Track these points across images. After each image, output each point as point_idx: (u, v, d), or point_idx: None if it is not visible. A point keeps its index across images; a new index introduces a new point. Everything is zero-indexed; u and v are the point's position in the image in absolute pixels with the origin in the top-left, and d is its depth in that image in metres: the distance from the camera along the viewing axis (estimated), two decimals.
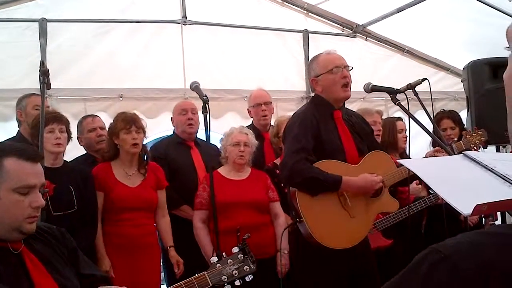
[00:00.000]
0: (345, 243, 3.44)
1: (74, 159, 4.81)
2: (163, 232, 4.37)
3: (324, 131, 3.59)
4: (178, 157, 4.86)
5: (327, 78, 3.64)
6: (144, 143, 4.42)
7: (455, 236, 0.83)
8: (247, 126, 5.24)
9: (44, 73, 3.39)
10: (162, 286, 4.82)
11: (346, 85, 3.63)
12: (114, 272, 4.06)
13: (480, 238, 0.80)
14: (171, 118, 5.19)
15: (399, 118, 5.35)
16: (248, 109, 5.44)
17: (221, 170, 4.49)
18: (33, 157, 2.24)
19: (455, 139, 4.91)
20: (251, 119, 5.44)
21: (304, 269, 3.65)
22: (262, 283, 2.96)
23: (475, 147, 3.98)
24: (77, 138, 4.87)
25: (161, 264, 4.60)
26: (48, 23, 5.42)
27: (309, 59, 6.62)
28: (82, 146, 4.92)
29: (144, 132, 4.34)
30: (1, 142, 2.38)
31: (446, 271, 0.76)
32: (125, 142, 4.22)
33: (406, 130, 5.22)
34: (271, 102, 5.34)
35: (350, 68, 3.69)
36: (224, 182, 4.35)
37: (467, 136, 4.06)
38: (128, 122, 4.22)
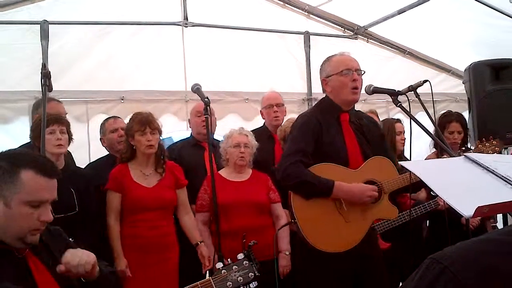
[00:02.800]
0: (338, 247, 3.41)
1: (96, 160, 4.93)
2: (189, 229, 4.34)
3: (327, 134, 3.57)
4: (190, 159, 4.88)
5: (337, 79, 3.63)
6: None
7: (455, 245, 0.82)
8: (258, 128, 5.28)
9: (45, 75, 3.39)
10: None
11: (355, 88, 3.61)
12: (131, 273, 4.07)
13: (480, 246, 0.79)
14: (188, 120, 5.25)
15: (398, 120, 5.33)
16: (260, 111, 5.45)
17: (222, 172, 4.50)
18: (50, 173, 2.24)
19: (463, 148, 4.89)
20: (252, 121, 5.47)
21: (307, 270, 3.63)
22: (262, 285, 2.95)
23: None
24: (100, 139, 4.99)
25: None
26: (49, 25, 5.42)
27: (311, 60, 6.70)
28: (104, 147, 4.99)
29: (160, 132, 4.35)
30: (20, 150, 2.38)
31: (448, 282, 0.75)
32: (140, 143, 4.23)
33: (404, 132, 5.21)
34: (283, 104, 5.34)
35: (362, 72, 3.68)
36: (225, 184, 4.34)
37: (479, 145, 3.91)
38: (143, 124, 4.22)
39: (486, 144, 3.85)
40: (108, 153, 4.95)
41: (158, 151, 4.33)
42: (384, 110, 6.91)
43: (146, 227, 4.17)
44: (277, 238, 4.38)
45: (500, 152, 4.04)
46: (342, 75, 3.61)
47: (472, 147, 4.96)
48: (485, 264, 0.74)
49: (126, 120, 4.59)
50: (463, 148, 4.88)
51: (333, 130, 3.61)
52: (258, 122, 5.67)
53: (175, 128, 6.01)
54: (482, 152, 3.79)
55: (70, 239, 2.60)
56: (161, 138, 4.40)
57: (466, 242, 0.83)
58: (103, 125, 5.01)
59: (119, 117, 5.08)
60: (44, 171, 2.21)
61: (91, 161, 4.93)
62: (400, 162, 2.41)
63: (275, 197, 4.50)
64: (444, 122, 4.96)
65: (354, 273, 3.52)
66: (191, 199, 4.49)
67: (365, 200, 3.47)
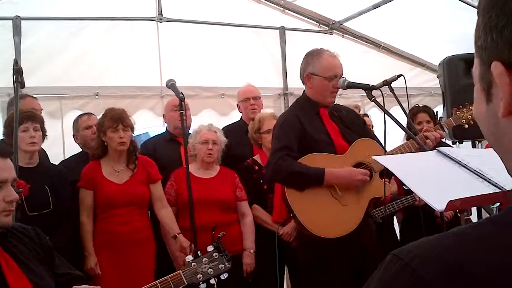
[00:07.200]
0: (340, 231, 3.47)
1: (70, 157, 4.93)
2: (166, 222, 4.31)
3: (310, 128, 3.65)
4: (166, 154, 4.87)
5: (322, 82, 3.71)
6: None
7: (418, 240, 0.82)
8: (235, 122, 5.32)
9: (17, 72, 3.36)
10: None
11: (334, 92, 3.72)
12: (105, 270, 4.08)
13: (444, 241, 0.78)
14: (163, 115, 5.21)
15: (365, 115, 5.44)
16: (237, 104, 5.46)
17: (189, 168, 4.49)
18: (2, 153, 2.24)
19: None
20: (228, 116, 5.46)
21: (308, 265, 3.70)
22: (229, 279, 2.98)
23: (466, 124, 3.72)
24: (73, 136, 4.98)
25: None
26: (22, 21, 5.35)
27: (286, 55, 6.69)
28: (78, 144, 4.97)
29: (132, 129, 4.36)
30: None
31: (408, 278, 0.74)
32: (112, 140, 4.22)
33: (372, 126, 5.28)
34: (260, 97, 5.37)
35: (342, 78, 3.72)
36: (192, 180, 4.32)
37: (458, 112, 3.80)
38: (115, 121, 4.21)
39: (464, 110, 3.76)
40: (81, 150, 4.94)
41: (131, 147, 4.32)
42: (359, 104, 6.94)
43: (118, 223, 4.17)
44: (242, 236, 4.43)
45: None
46: (329, 80, 3.69)
47: (447, 141, 5.02)
48: (448, 259, 0.73)
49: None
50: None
51: (315, 124, 3.70)
52: (234, 117, 5.68)
53: (151, 124, 5.98)
54: (461, 118, 3.74)
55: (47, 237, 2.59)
56: (134, 134, 4.38)
57: (430, 237, 0.82)
58: (76, 122, 4.99)
59: (92, 114, 5.06)
60: None
61: (64, 158, 4.92)
62: (373, 157, 2.43)
63: (242, 195, 4.55)
64: (411, 115, 5.04)
65: (354, 260, 3.57)
66: None
67: (357, 184, 3.54)
